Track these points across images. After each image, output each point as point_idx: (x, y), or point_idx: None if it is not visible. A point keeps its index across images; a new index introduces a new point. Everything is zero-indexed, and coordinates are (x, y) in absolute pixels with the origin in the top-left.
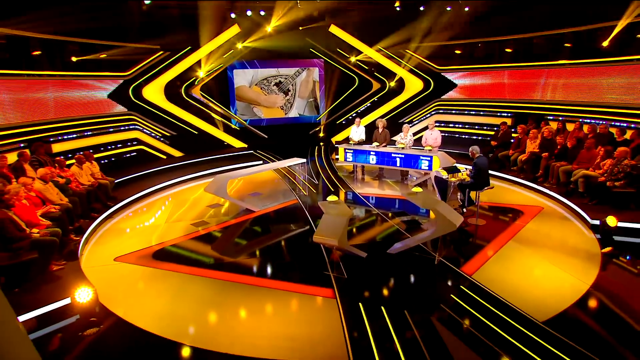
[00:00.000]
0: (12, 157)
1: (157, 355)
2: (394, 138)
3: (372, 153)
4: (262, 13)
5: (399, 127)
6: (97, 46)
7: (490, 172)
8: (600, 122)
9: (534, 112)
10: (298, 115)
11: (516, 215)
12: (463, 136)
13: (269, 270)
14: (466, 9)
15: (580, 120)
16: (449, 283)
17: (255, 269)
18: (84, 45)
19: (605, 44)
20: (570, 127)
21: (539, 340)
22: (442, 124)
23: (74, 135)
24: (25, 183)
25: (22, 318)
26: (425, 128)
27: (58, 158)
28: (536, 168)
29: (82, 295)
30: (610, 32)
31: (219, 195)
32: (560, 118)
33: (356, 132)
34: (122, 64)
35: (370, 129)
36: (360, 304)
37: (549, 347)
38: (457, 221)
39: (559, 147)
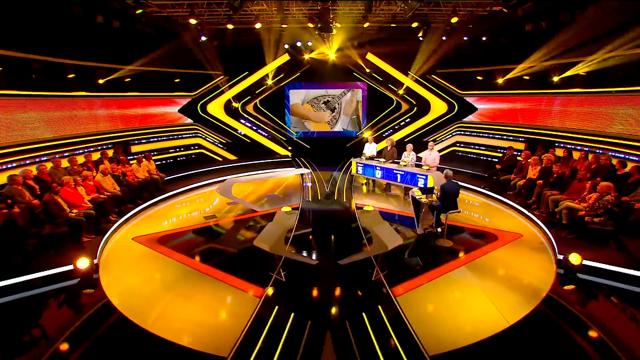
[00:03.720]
0: (96, 155)
1: (101, 318)
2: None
3: (377, 168)
4: (310, 44)
5: (424, 145)
6: (172, 73)
7: (490, 194)
8: (607, 152)
9: (547, 139)
10: (342, 130)
11: (488, 240)
12: (481, 157)
13: (228, 264)
14: (484, 38)
15: (586, 149)
16: (370, 300)
17: (219, 261)
18: (162, 72)
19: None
20: (576, 155)
21: None
22: (462, 145)
23: (146, 140)
24: (86, 176)
25: (37, 275)
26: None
27: (122, 157)
28: (532, 194)
29: (81, 264)
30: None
31: (225, 196)
32: (568, 146)
33: (368, 148)
34: (191, 86)
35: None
36: (277, 306)
37: None
38: (391, 244)
39: (555, 175)
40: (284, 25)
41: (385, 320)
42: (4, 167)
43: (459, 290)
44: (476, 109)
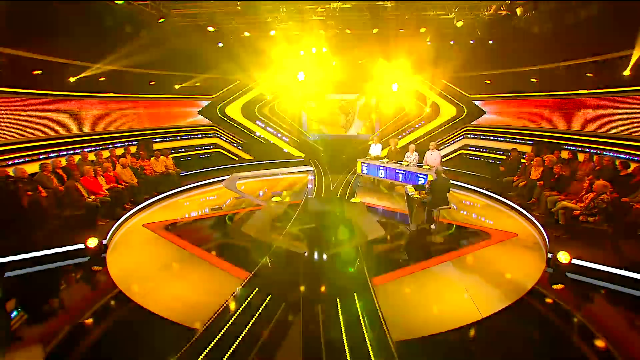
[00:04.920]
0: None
1: (99, 289)
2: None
3: (381, 168)
4: (324, 50)
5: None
6: (193, 77)
7: (492, 195)
8: (609, 154)
9: (554, 142)
10: (356, 134)
11: (481, 238)
12: (490, 160)
13: (222, 250)
14: (490, 42)
15: (591, 151)
16: (347, 288)
17: (215, 247)
18: (184, 76)
19: (626, 72)
20: (582, 157)
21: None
22: (471, 148)
23: (170, 138)
24: (106, 168)
25: (54, 250)
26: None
27: (142, 152)
28: (533, 195)
29: (91, 242)
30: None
31: (230, 189)
32: (572, 148)
33: (374, 148)
34: (210, 89)
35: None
36: (257, 289)
37: None
38: (371, 235)
39: (556, 176)
40: (296, 32)
41: (358, 306)
42: (42, 156)
43: (439, 284)
44: (484, 112)
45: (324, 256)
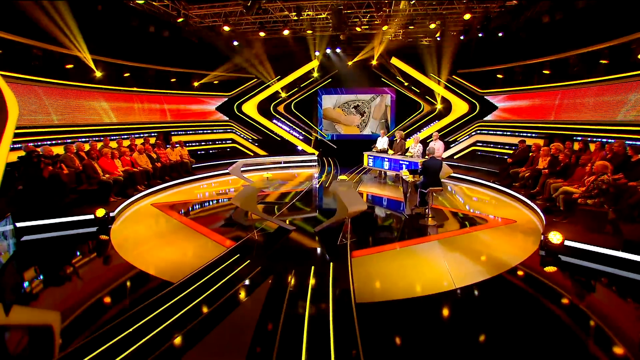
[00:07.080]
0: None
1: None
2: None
3: (386, 159)
4: (338, 50)
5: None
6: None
7: (500, 188)
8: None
9: (567, 133)
10: (370, 133)
11: (476, 223)
12: (504, 156)
13: (217, 224)
14: (500, 34)
15: (601, 140)
16: (326, 258)
17: (211, 222)
18: (203, 75)
19: None
20: (593, 147)
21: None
22: (481, 144)
23: (190, 132)
24: (123, 152)
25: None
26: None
27: (159, 142)
28: (537, 184)
29: (98, 213)
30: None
31: (234, 174)
32: (582, 138)
33: (380, 141)
34: (227, 87)
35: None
36: (238, 254)
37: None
38: (352, 208)
39: (561, 164)
40: (309, 32)
41: (331, 273)
42: (69, 141)
43: (421, 260)
44: (496, 107)
45: (310, 231)
